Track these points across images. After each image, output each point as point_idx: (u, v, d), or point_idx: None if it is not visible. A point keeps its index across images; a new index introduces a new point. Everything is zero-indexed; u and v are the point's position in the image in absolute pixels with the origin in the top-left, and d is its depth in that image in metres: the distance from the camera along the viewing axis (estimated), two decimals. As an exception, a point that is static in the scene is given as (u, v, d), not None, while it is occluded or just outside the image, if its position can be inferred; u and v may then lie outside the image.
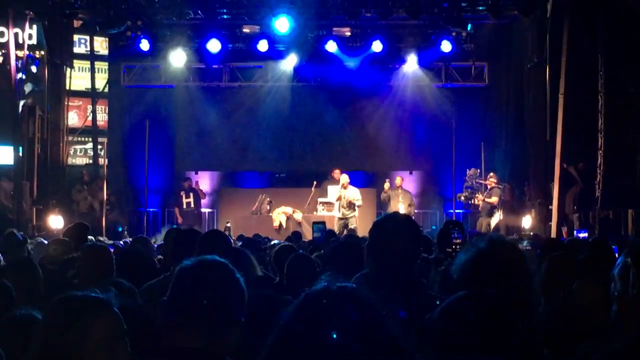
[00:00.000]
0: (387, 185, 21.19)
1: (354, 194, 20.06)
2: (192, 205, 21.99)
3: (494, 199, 19.96)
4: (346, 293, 2.22)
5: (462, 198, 20.60)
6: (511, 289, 3.05)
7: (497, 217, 19.84)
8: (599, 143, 16.87)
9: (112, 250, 10.13)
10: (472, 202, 20.46)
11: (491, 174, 20.47)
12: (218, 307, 3.02)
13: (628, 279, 2.48)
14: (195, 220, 21.26)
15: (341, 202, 19.94)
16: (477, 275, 3.11)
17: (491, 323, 2.31)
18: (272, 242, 12.43)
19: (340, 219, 19.86)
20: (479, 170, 20.67)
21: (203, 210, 22.85)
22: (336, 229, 19.12)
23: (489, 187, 20.19)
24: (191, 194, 22.04)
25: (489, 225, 19.73)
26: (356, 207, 20.01)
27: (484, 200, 20.07)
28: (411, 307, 3.89)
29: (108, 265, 6.43)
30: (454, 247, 6.73)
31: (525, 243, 11.43)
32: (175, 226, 18.02)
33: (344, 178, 20.20)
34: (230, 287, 3.10)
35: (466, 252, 3.31)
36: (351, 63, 22.50)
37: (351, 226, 19.35)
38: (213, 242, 5.57)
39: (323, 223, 12.42)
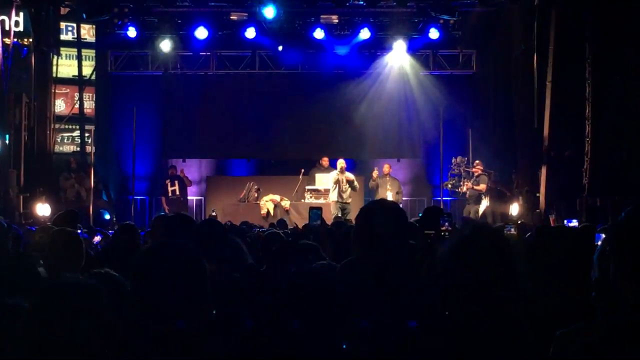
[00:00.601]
0: (375, 173, 21.16)
1: (351, 176, 20.18)
2: (178, 193, 21.95)
3: (482, 186, 19.96)
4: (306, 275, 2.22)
5: (449, 186, 20.59)
6: (495, 275, 3.05)
7: (484, 204, 19.87)
8: (587, 130, 16.94)
9: (100, 237, 10.13)
10: (460, 189, 20.44)
11: (477, 161, 20.46)
12: (180, 289, 2.97)
13: (607, 265, 2.49)
14: (182, 208, 21.18)
15: (340, 187, 19.92)
16: (460, 262, 3.11)
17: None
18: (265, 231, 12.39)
19: (336, 202, 19.85)
20: (466, 158, 20.66)
21: (191, 198, 22.81)
22: (333, 210, 19.19)
23: (475, 174, 20.18)
24: (176, 182, 21.98)
25: (477, 212, 19.76)
26: (355, 186, 20.06)
27: (472, 187, 20.06)
28: (395, 295, 3.91)
29: (78, 251, 6.37)
30: (442, 233, 6.79)
31: (509, 227, 11.39)
32: (163, 213, 17.99)
33: (341, 162, 20.22)
34: (191, 269, 3.05)
35: (450, 239, 3.32)
36: (339, 50, 22.51)
37: (347, 216, 19.28)
38: (209, 232, 5.54)
39: (320, 209, 12.49)
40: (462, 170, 20.41)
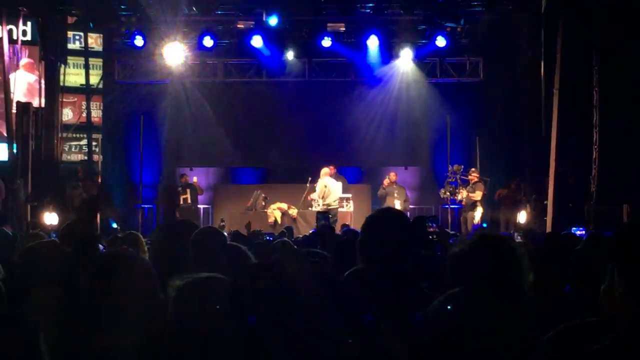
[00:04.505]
0: (387, 181, 21.17)
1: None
2: (189, 201, 21.94)
3: (478, 194, 19.88)
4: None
5: (448, 194, 20.38)
6: (505, 283, 3.03)
7: (479, 211, 19.80)
8: (594, 138, 16.88)
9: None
10: (456, 197, 20.27)
11: (473, 168, 20.38)
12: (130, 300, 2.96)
13: (612, 277, 2.46)
14: (193, 216, 21.13)
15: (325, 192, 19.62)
16: (470, 271, 3.09)
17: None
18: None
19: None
20: (462, 166, 20.49)
21: (199, 206, 22.78)
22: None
23: (471, 182, 20.06)
24: (188, 190, 21.97)
25: (473, 219, 19.70)
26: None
27: (468, 195, 19.94)
28: (400, 304, 3.87)
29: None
30: (431, 236, 6.90)
31: (516, 235, 11.41)
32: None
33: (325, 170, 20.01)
34: (141, 278, 3.03)
35: (459, 247, 3.29)
36: (346, 59, 22.54)
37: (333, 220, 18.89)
38: (206, 240, 5.48)
39: (326, 212, 12.84)
40: (458, 178, 20.28)
